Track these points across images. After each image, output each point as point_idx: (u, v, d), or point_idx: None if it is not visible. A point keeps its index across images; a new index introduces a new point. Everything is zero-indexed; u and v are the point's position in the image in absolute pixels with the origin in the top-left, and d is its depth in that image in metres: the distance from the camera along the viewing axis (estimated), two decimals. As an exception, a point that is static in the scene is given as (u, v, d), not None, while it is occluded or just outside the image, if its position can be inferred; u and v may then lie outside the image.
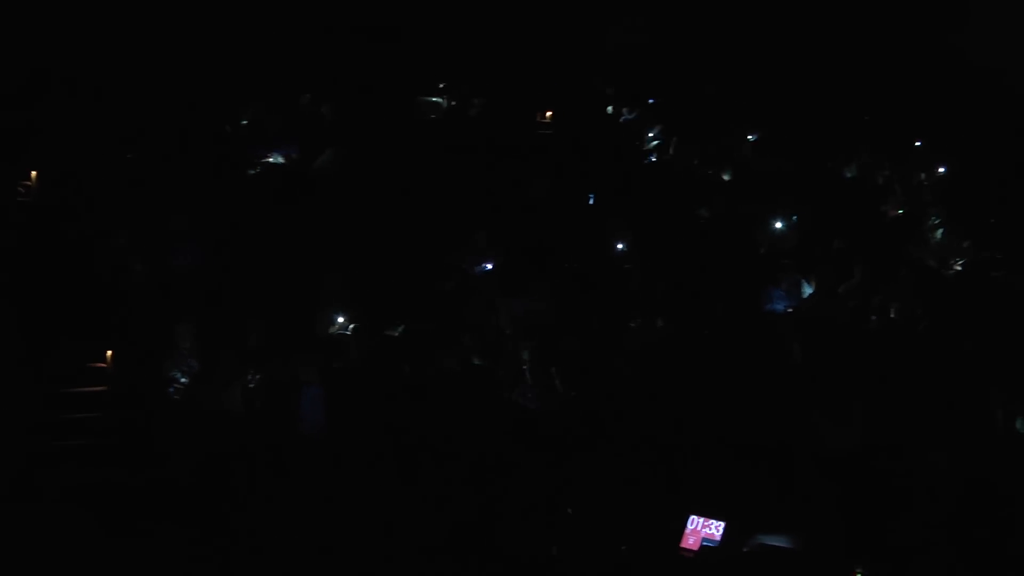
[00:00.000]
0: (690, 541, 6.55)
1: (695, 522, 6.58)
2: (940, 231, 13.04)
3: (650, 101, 15.89)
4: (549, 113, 15.45)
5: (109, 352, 9.32)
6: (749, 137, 14.98)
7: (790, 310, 11.17)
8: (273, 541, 7.31)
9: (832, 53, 16.44)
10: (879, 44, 16.73)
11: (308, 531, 7.43)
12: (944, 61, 16.72)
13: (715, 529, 6.50)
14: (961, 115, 15.57)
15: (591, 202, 13.38)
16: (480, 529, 7.22)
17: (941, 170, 14.37)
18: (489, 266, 11.74)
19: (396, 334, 10.18)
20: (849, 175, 14.45)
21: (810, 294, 11.54)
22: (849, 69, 16.44)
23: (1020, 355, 9.37)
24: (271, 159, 12.90)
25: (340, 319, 10.24)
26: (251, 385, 9.06)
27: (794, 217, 12.99)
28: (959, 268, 12.56)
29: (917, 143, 15.16)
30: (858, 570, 5.97)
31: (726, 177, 14.11)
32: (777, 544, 6.35)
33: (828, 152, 14.64)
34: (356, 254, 11.36)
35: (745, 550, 6.39)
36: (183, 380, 9.01)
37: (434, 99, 14.92)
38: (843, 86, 16.24)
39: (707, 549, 6.44)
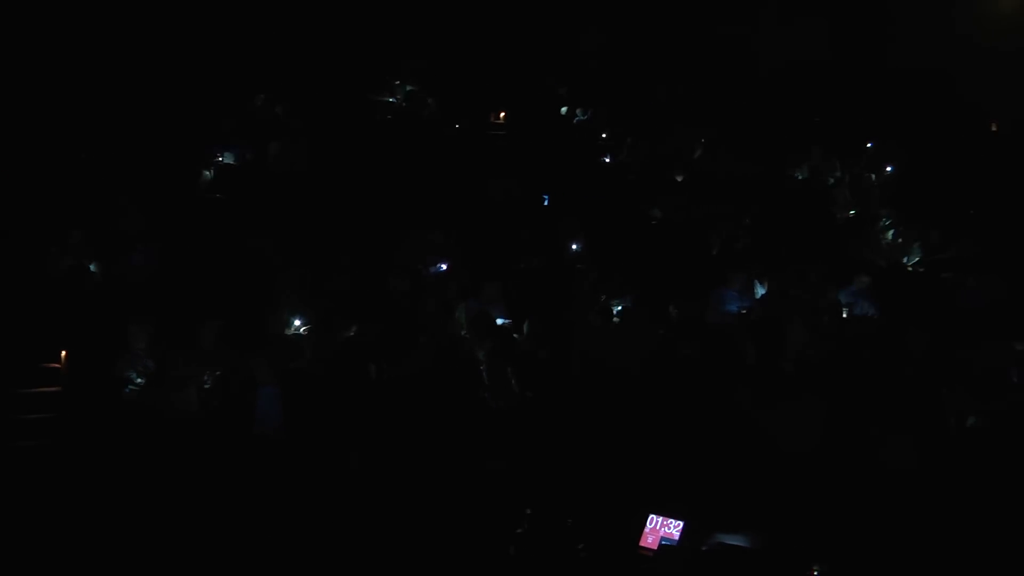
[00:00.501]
0: (649, 540, 6.60)
1: (654, 521, 6.63)
2: (891, 232, 13.23)
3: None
4: (503, 114, 15.52)
5: (63, 352, 9.25)
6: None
7: (743, 311, 11.28)
8: (233, 541, 7.26)
9: (783, 55, 16.64)
10: (829, 46, 16.99)
11: (267, 531, 7.39)
12: (891, 63, 17.02)
13: (674, 528, 6.56)
14: (908, 117, 15.83)
15: (545, 203, 13.45)
16: (440, 531, 7.21)
17: (889, 169, 14.47)
18: (444, 266, 11.75)
19: (350, 335, 10.16)
20: (800, 176, 14.62)
21: (763, 295, 11.66)
22: (799, 71, 16.64)
23: (969, 353, 9.51)
24: (224, 159, 12.87)
25: (296, 320, 10.23)
26: (207, 385, 9.03)
27: (746, 219, 13.14)
28: (910, 268, 12.75)
29: (868, 144, 15.29)
30: (815, 568, 6.05)
31: (679, 178, 14.24)
32: (736, 543, 6.43)
33: (780, 154, 14.78)
34: (310, 254, 11.35)
35: (704, 549, 6.45)
36: (138, 381, 8.94)
37: (389, 99, 14.92)
38: (794, 88, 16.45)
39: (666, 548, 6.49)
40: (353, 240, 11.65)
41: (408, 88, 14.97)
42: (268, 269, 10.81)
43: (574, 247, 12.44)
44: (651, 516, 6.63)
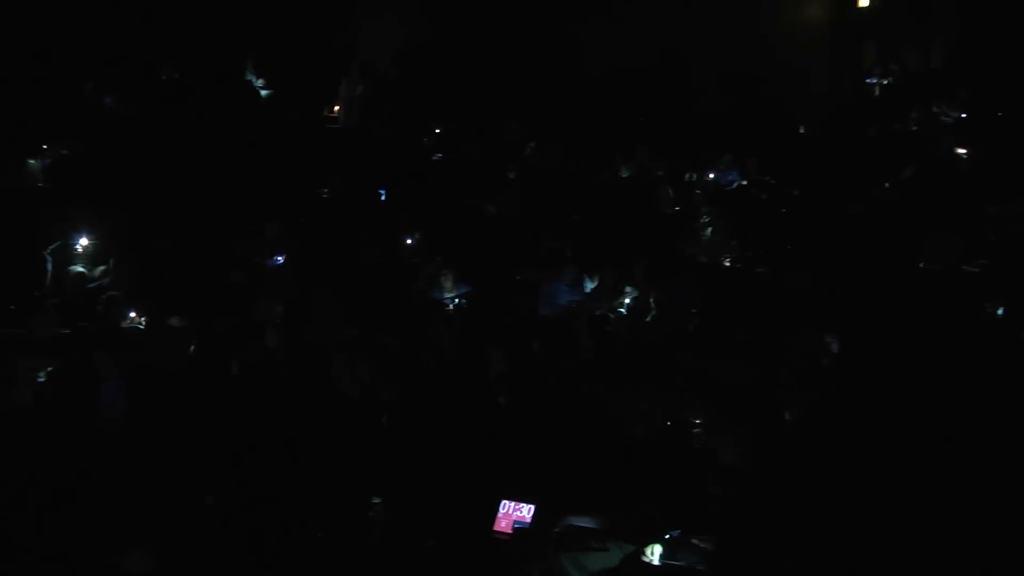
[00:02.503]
0: (503, 524, 6.87)
1: (507, 506, 6.91)
2: (710, 229, 13.83)
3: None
4: (337, 107, 15.56)
5: None
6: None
7: (574, 304, 11.68)
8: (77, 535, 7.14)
9: (611, 54, 17.15)
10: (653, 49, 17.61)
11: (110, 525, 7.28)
12: (710, 66, 17.77)
13: (526, 512, 6.85)
14: (727, 118, 16.56)
15: (383, 197, 13.61)
16: (286, 525, 7.25)
17: (712, 176, 15.10)
18: (281, 259, 11.79)
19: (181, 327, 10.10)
20: (625, 175, 15.13)
21: (592, 288, 12.09)
22: (627, 70, 17.19)
23: (786, 346, 10.06)
24: (52, 149, 12.59)
25: (131, 313, 10.15)
26: (40, 380, 8.86)
27: (576, 215, 13.57)
28: (727, 264, 13.34)
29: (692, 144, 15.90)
30: (653, 543, 6.41)
31: (511, 175, 14.57)
32: (584, 525, 6.76)
33: (607, 151, 15.26)
34: (145, 245, 11.25)
35: (556, 530, 6.76)
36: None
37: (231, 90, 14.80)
38: (621, 87, 16.98)
39: (519, 530, 6.78)
40: (191, 232, 11.58)
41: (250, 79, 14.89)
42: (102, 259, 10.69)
43: (409, 241, 12.64)
44: (503, 502, 6.91)
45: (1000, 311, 10.69)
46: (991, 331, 10.15)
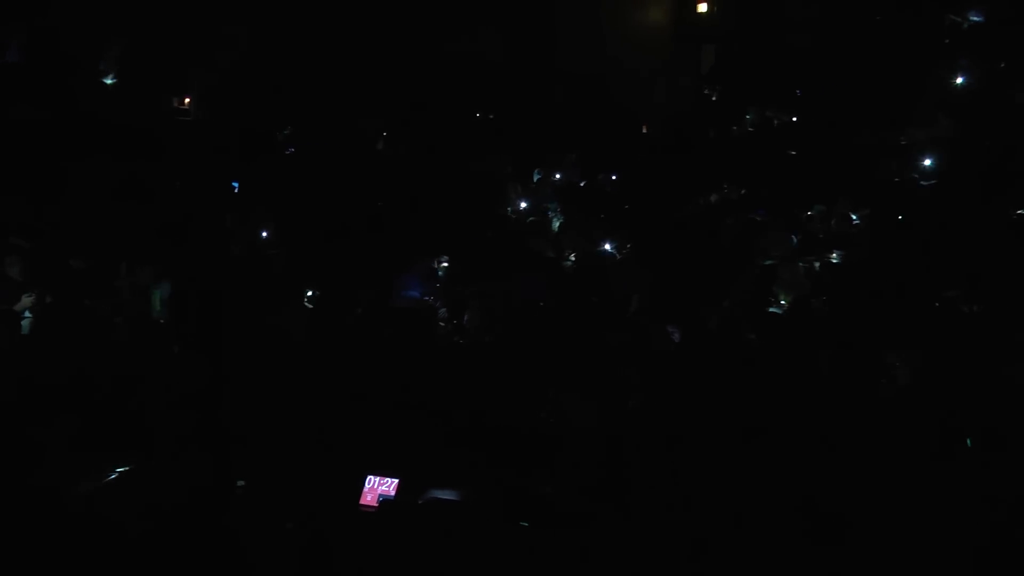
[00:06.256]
0: (368, 498, 7.15)
1: (372, 481, 7.18)
2: (557, 224, 14.28)
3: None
4: (187, 99, 15.40)
5: None
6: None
7: (427, 297, 11.96)
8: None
9: (460, 53, 17.43)
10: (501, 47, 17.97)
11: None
12: (557, 67, 18.22)
13: (390, 486, 7.14)
14: (574, 117, 17.04)
15: (236, 189, 13.63)
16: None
17: (558, 176, 15.53)
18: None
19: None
20: (476, 169, 15.43)
21: (444, 280, 12.39)
22: (478, 68, 17.49)
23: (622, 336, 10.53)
24: None
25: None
26: None
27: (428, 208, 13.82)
28: (573, 258, 13.76)
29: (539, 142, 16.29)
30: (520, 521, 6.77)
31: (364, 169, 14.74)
32: (447, 497, 7.08)
33: (459, 147, 15.56)
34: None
35: (420, 503, 7.06)
36: None
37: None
38: (471, 86, 17.28)
39: (385, 504, 7.06)
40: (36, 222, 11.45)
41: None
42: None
43: (264, 234, 12.72)
44: (369, 476, 7.18)
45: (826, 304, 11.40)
46: (819, 324, 10.74)
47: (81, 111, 13.55)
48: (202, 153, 13.75)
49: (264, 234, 12.67)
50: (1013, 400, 7.83)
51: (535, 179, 15.33)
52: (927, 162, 13.45)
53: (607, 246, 13.61)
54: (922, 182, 13.69)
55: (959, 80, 14.84)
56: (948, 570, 6.34)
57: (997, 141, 13.38)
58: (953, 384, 8.24)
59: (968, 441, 6.70)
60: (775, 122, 16.34)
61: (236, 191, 13.64)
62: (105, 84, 14.61)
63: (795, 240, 12.68)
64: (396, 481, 7.13)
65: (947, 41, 15.64)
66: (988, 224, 12.05)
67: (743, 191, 14.44)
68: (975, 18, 15.45)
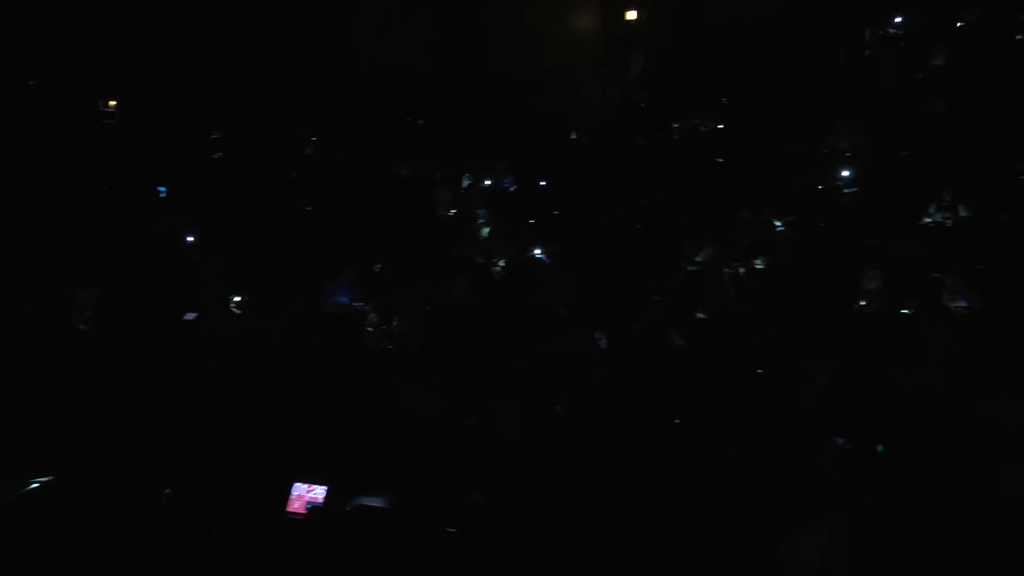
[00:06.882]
0: (296, 505, 7.17)
1: (299, 488, 7.20)
2: (486, 230, 14.34)
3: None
4: (113, 102, 15.30)
5: None
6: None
7: (356, 304, 11.97)
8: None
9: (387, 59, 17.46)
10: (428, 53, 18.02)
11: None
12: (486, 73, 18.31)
13: (318, 493, 7.17)
14: (505, 123, 17.14)
15: (162, 194, 13.55)
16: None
17: (488, 182, 15.63)
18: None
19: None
20: (405, 175, 15.48)
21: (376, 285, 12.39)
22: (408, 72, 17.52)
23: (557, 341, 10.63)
24: None
25: None
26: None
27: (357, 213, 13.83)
28: (503, 264, 13.83)
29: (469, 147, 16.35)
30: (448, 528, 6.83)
31: (293, 174, 14.72)
32: (375, 504, 7.12)
33: (389, 151, 15.59)
34: None
35: (347, 509, 7.10)
36: None
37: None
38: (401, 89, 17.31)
39: (312, 511, 7.09)
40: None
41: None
42: None
43: (190, 239, 12.66)
44: (296, 484, 7.20)
45: (751, 310, 11.60)
46: (742, 327, 10.92)
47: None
48: (128, 157, 13.64)
49: (191, 239, 12.61)
50: (922, 406, 8.06)
51: (464, 185, 15.36)
52: (845, 173, 13.76)
53: (536, 252, 13.72)
54: (844, 190, 13.98)
55: (879, 90, 15.21)
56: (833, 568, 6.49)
57: (913, 150, 13.71)
58: (867, 389, 8.46)
59: (879, 447, 6.88)
60: (702, 129, 16.56)
61: (163, 196, 13.52)
62: (28, 84, 14.49)
63: (720, 246, 12.87)
64: (324, 488, 7.15)
65: (867, 53, 15.99)
66: (905, 231, 12.36)
67: (670, 198, 14.61)
68: (893, 31, 15.84)
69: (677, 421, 8.18)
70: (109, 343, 9.94)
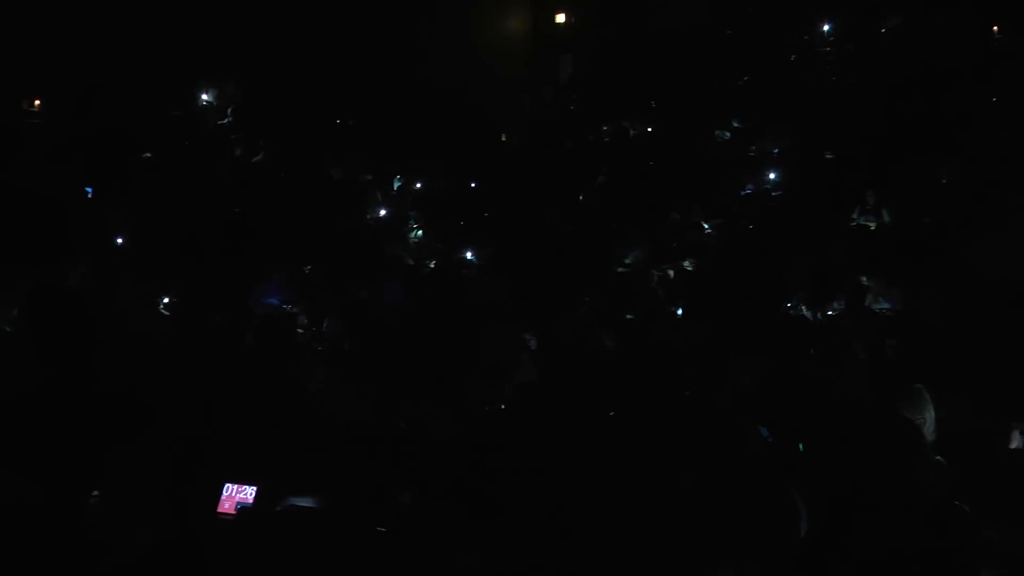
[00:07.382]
0: (226, 506, 7.12)
1: (230, 489, 7.15)
2: (417, 232, 14.39)
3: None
4: (38, 101, 15.09)
5: None
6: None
7: (286, 306, 11.94)
8: None
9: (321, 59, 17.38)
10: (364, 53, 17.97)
11: None
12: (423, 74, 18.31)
13: (248, 493, 7.12)
14: (436, 124, 17.16)
15: (89, 195, 13.39)
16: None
17: (419, 185, 15.64)
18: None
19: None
20: (337, 177, 15.46)
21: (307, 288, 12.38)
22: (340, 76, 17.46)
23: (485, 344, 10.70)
24: None
25: None
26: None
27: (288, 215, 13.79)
28: (432, 266, 13.91)
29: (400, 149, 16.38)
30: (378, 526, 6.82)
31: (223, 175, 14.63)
32: (305, 504, 7.10)
33: (319, 154, 15.55)
34: None
35: (278, 509, 7.06)
36: None
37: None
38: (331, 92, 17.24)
39: (243, 511, 7.05)
40: None
41: None
42: None
43: (120, 241, 12.53)
44: (227, 484, 7.15)
45: (680, 311, 11.78)
46: (673, 329, 11.06)
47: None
48: (54, 156, 13.46)
49: (119, 240, 12.48)
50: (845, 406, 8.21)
51: (395, 186, 15.38)
52: (772, 175, 14.02)
53: (467, 254, 13.80)
54: (772, 192, 14.23)
55: (806, 94, 15.50)
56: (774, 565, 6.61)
57: (838, 153, 13.99)
58: (792, 390, 8.59)
59: (800, 446, 6.98)
60: (631, 132, 16.74)
61: (89, 196, 13.36)
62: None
63: (650, 248, 13.04)
64: (254, 488, 7.12)
65: (793, 58, 16.27)
66: (830, 233, 12.60)
67: (600, 200, 14.77)
68: (820, 36, 16.16)
69: (611, 413, 8.24)
70: (38, 345, 9.80)
